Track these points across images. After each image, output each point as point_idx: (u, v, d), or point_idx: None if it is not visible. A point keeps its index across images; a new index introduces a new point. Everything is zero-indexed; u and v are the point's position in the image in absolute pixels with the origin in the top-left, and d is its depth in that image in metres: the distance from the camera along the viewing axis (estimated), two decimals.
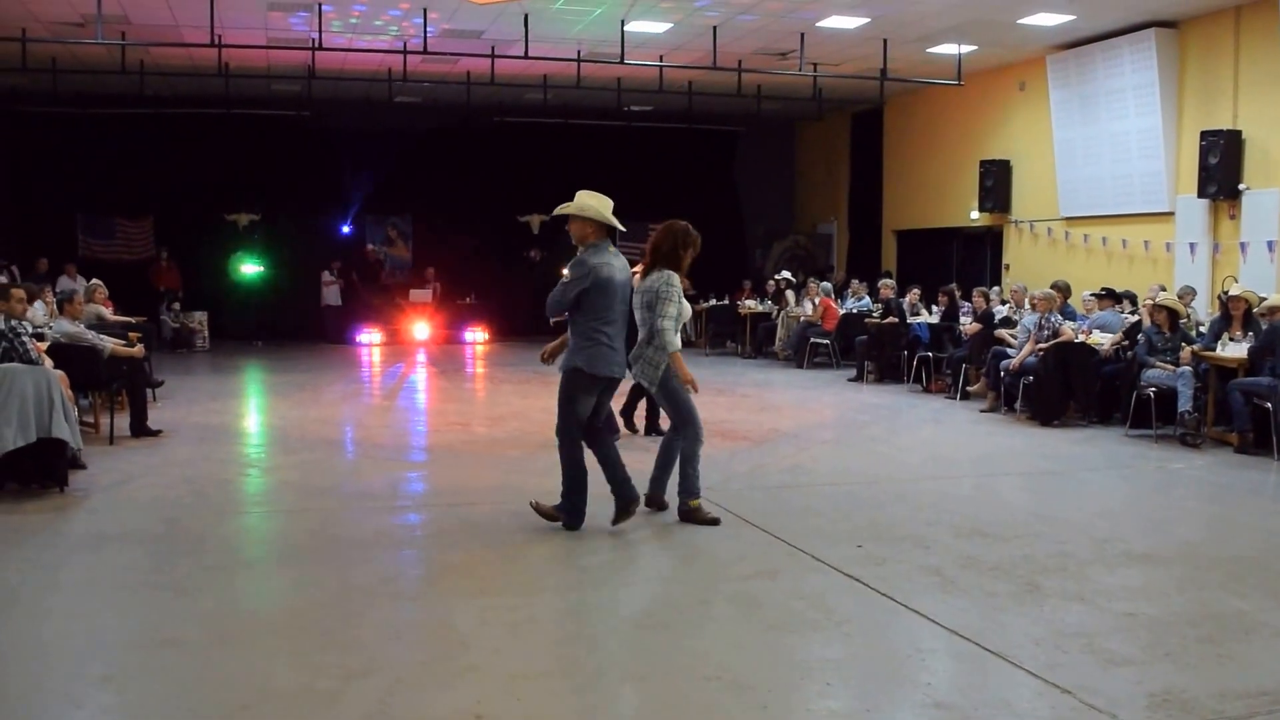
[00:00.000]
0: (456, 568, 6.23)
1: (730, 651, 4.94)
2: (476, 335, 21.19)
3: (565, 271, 7.00)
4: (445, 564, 6.33)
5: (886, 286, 16.56)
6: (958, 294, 15.38)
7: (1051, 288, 12.62)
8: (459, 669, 4.68)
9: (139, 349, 10.86)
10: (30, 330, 8.49)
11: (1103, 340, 12.07)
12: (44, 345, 9.20)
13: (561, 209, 6.95)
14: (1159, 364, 10.76)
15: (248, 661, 4.79)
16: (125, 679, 4.56)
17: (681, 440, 7.22)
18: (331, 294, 21.69)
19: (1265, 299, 10.78)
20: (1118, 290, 13.76)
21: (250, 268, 21.49)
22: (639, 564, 6.47)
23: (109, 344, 10.27)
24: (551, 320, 8.25)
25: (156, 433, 10.21)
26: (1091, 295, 13.60)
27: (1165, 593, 5.92)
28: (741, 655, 4.89)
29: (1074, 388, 11.68)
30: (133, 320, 14.02)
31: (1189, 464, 9.68)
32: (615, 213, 6.89)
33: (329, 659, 4.75)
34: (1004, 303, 14.65)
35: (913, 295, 16.38)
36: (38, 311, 11.13)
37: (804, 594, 5.74)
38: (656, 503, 7.42)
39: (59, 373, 8.23)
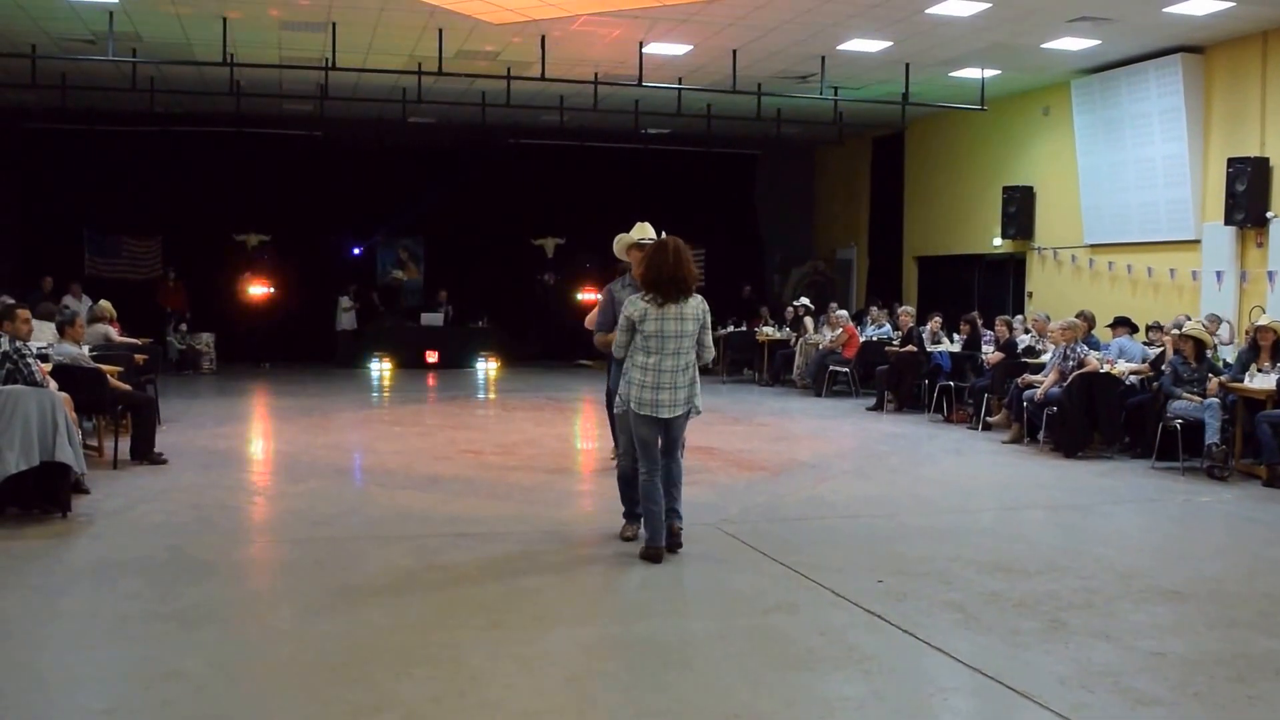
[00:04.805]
0: (467, 600, 6.09)
1: (748, 689, 4.80)
2: (489, 359, 20.92)
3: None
4: (455, 597, 6.19)
5: (906, 314, 16.39)
6: (980, 322, 15.21)
7: (1077, 316, 12.45)
8: (471, 705, 4.56)
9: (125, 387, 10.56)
10: (34, 351, 8.38)
11: (1125, 369, 11.90)
12: (48, 367, 9.07)
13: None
14: (1185, 395, 10.58)
15: (253, 696, 4.69)
16: (126, 712, 4.45)
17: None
18: (348, 318, 21.58)
19: None
20: (1149, 323, 13.59)
21: (259, 289, 21.30)
22: (654, 598, 6.32)
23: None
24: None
25: (161, 456, 10.06)
26: (1106, 326, 13.49)
27: (1194, 630, 5.75)
28: (760, 693, 4.75)
29: (1099, 419, 11.47)
30: (139, 341, 13.85)
31: (1216, 497, 9.50)
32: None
33: (337, 694, 4.63)
34: (1027, 331, 14.47)
35: (934, 323, 16.19)
36: (47, 332, 10.99)
37: (824, 630, 5.60)
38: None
39: (63, 395, 8.12)
